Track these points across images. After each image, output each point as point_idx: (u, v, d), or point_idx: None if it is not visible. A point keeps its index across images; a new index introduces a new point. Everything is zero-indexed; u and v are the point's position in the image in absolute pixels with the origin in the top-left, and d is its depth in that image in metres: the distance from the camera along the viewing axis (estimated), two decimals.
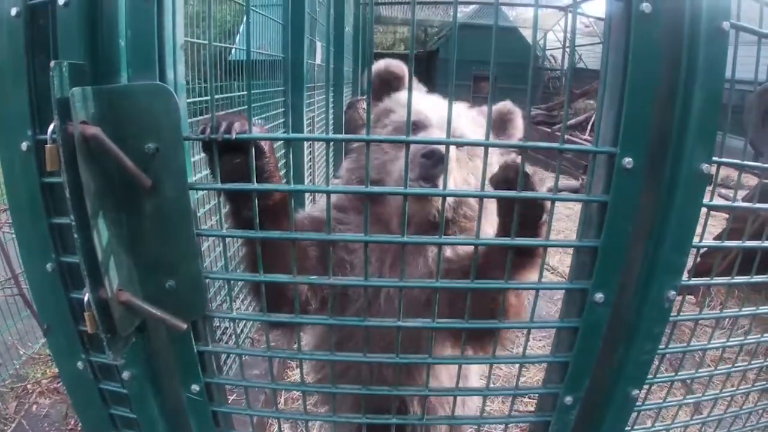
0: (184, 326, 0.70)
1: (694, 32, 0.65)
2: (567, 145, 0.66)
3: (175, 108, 0.65)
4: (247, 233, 0.70)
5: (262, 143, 0.76)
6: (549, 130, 8.12)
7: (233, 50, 2.14)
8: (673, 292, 0.75)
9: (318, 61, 3.79)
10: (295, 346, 0.79)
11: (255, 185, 0.67)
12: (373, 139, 0.63)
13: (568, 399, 0.81)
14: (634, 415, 0.88)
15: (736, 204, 0.76)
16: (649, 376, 0.84)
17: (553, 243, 0.72)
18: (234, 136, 0.65)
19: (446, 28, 14.88)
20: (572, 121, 8.18)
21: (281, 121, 2.68)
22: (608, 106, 0.67)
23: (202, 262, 0.71)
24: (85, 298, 0.65)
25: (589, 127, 7.17)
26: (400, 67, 1.18)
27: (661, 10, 0.62)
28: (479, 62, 13.15)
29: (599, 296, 0.73)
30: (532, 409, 0.91)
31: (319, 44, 3.75)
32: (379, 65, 1.18)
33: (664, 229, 0.72)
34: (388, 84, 1.16)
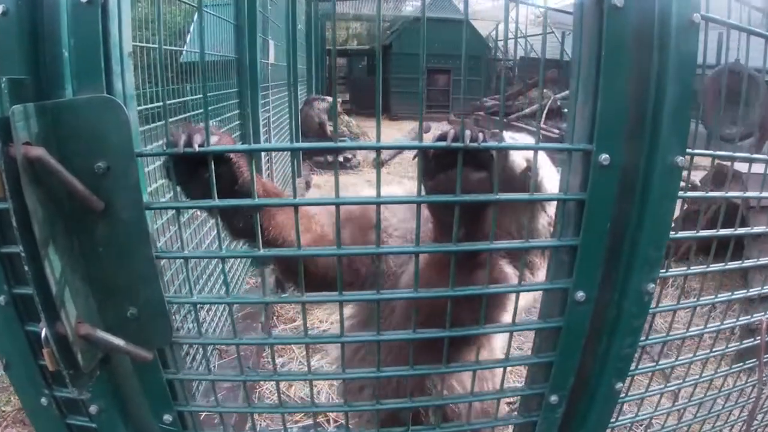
0: (150, 356, 0.65)
1: (664, 25, 0.64)
2: (543, 144, 0.65)
3: (125, 122, 0.60)
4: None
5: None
6: (505, 120, 8.24)
7: (184, 52, 2.04)
8: (652, 285, 0.75)
9: (271, 60, 3.69)
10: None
11: (216, 202, 0.62)
12: (343, 147, 0.59)
13: (554, 398, 0.81)
14: (618, 406, 0.89)
15: (710, 194, 0.77)
16: (631, 368, 0.85)
17: (533, 245, 0.71)
18: (197, 148, 0.60)
19: (398, 22, 14.87)
20: (527, 110, 8.34)
21: (237, 123, 2.59)
22: (582, 102, 0.66)
23: (164, 286, 0.66)
24: (42, 334, 0.59)
25: (543, 115, 7.32)
26: None
27: (632, 3, 0.62)
28: (432, 55, 13.25)
29: (580, 295, 0.72)
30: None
31: (271, 43, 3.65)
32: None
33: (640, 223, 0.72)
34: None
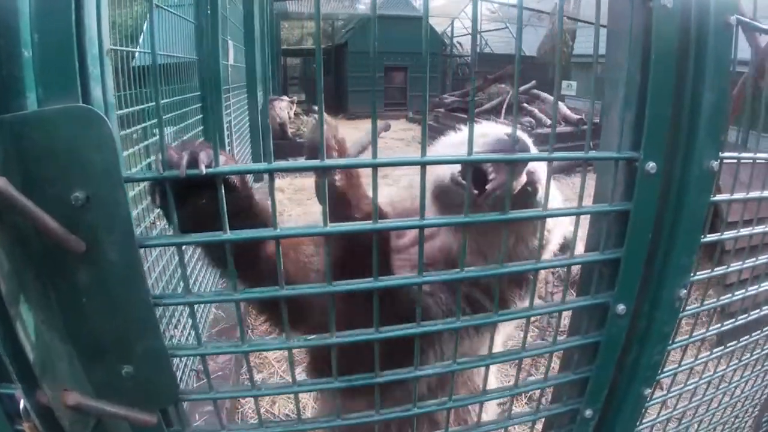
0: (154, 419, 0.55)
1: (701, 27, 0.61)
2: (592, 154, 0.59)
3: (108, 138, 0.48)
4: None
5: (232, 176, 0.62)
6: (465, 116, 8.36)
7: (137, 55, 1.86)
8: (683, 291, 0.73)
9: (231, 61, 3.51)
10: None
11: (228, 235, 0.52)
12: (383, 163, 0.51)
13: (589, 412, 0.78)
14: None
15: (738, 196, 0.75)
16: None
17: (576, 261, 0.66)
18: (203, 170, 0.50)
19: (353, 20, 14.75)
20: (487, 106, 8.46)
21: (201, 128, 2.43)
22: (627, 108, 0.61)
23: (163, 335, 0.56)
24: (21, 405, 0.49)
25: (503, 110, 7.45)
26: None
27: (679, 3, 0.58)
28: (388, 53, 13.22)
29: (621, 308, 0.68)
30: None
31: (230, 43, 3.47)
32: None
33: (674, 230, 0.69)
34: None
